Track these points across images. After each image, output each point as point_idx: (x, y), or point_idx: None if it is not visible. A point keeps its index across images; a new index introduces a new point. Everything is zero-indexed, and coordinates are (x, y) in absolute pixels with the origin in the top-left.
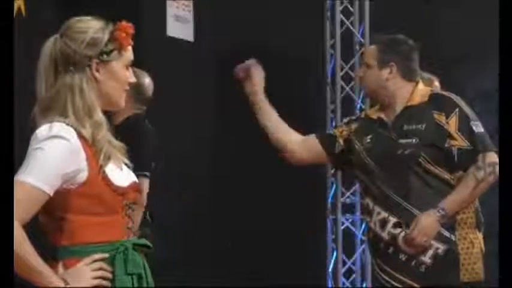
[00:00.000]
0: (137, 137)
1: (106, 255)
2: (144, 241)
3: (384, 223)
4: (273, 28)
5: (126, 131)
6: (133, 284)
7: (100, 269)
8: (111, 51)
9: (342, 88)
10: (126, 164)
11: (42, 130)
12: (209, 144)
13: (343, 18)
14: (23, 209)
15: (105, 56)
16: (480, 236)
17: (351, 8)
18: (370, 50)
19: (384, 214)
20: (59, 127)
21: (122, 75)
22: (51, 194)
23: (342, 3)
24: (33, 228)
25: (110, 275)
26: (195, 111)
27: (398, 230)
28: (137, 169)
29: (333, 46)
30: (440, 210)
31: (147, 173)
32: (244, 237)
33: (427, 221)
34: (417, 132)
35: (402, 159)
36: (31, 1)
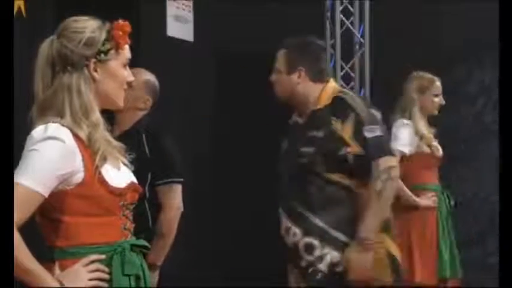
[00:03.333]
0: (168, 146)
1: (103, 256)
2: (142, 242)
3: (287, 231)
4: (273, 28)
5: (152, 141)
6: (130, 284)
7: (97, 270)
8: (109, 50)
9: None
10: (125, 164)
11: (38, 131)
12: (209, 144)
13: (343, 19)
14: (18, 211)
15: (102, 56)
16: (387, 238)
17: (351, 8)
18: (279, 54)
19: (287, 222)
20: (54, 128)
21: (120, 74)
22: (46, 196)
23: (342, 3)
24: (28, 229)
25: (106, 276)
26: (194, 111)
27: (297, 238)
28: (173, 176)
29: (333, 46)
30: (362, 241)
31: (182, 180)
32: (244, 237)
33: (353, 258)
34: (315, 140)
35: (301, 168)
36: (31, 1)
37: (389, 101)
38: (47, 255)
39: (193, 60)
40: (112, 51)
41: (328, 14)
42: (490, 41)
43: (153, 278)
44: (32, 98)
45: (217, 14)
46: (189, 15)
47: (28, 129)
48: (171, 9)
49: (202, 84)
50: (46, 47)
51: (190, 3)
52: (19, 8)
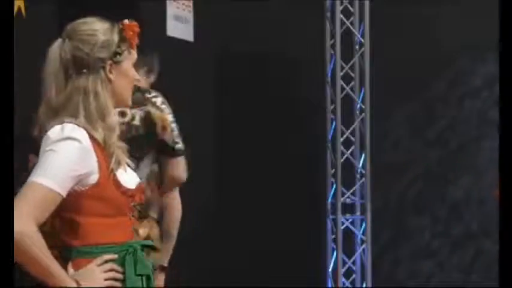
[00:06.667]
0: None
1: (116, 256)
2: (150, 242)
3: None
4: (273, 28)
5: None
6: (143, 284)
7: (111, 269)
8: (123, 51)
9: (342, 88)
10: (128, 165)
11: (54, 131)
12: (209, 145)
13: (343, 18)
14: (39, 211)
15: (118, 57)
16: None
17: (350, 8)
18: None
19: None
20: (71, 128)
21: (131, 74)
22: (65, 196)
23: (341, 3)
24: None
25: (121, 276)
26: (194, 111)
27: None
28: None
29: (332, 46)
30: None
31: None
32: (245, 237)
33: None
34: None
35: None
36: (31, 1)
37: (389, 100)
38: (59, 255)
39: (193, 61)
40: (125, 52)
41: (328, 14)
42: (488, 39)
43: (160, 279)
44: (33, 98)
45: (217, 14)
46: (189, 16)
47: (35, 129)
48: (171, 9)
49: (202, 84)
50: (56, 49)
51: (191, 4)
52: (19, 8)
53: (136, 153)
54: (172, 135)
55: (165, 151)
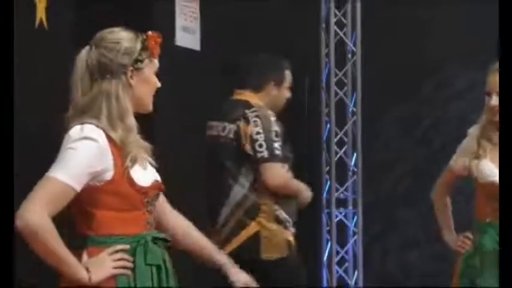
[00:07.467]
0: None
1: (127, 246)
2: (162, 234)
3: None
4: (273, 38)
5: None
6: (152, 274)
7: (121, 259)
8: (144, 59)
9: (336, 93)
10: (150, 163)
11: (74, 131)
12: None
13: (337, 29)
14: (54, 204)
15: (139, 64)
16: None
17: (344, 20)
18: None
19: None
20: (89, 129)
21: (152, 81)
22: (79, 190)
23: (335, 15)
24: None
25: (130, 265)
26: (200, 118)
27: None
28: None
29: (327, 55)
30: None
31: None
32: None
33: None
34: None
35: None
36: (52, 13)
37: (379, 104)
38: (77, 244)
39: (199, 68)
40: (147, 60)
41: (323, 25)
42: (479, 46)
43: None
44: (36, 100)
45: (220, 23)
46: (196, 26)
47: (64, 129)
48: (180, 21)
49: (207, 90)
50: (84, 56)
51: (198, 16)
52: (41, 20)
53: (235, 163)
54: (254, 144)
55: (250, 160)
